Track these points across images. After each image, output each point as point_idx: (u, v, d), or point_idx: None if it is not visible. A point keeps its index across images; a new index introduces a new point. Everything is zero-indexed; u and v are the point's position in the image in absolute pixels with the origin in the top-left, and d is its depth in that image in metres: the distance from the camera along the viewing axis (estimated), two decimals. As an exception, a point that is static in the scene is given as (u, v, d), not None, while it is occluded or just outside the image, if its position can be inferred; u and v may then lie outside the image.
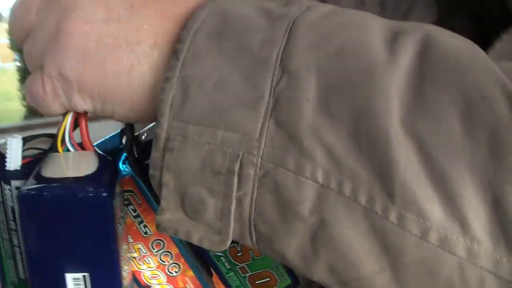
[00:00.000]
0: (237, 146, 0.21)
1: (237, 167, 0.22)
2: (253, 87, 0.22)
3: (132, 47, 0.24)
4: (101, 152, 0.27)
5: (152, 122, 0.28)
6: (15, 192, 0.27)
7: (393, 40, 0.22)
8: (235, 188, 0.22)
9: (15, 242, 0.29)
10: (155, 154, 0.23)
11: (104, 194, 0.24)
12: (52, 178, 0.24)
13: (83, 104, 0.25)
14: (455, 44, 0.22)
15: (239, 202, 0.22)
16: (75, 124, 0.27)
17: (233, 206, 0.22)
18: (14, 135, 0.27)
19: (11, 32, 0.27)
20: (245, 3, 0.25)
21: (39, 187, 0.24)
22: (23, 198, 0.24)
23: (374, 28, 0.23)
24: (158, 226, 0.24)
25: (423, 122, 0.20)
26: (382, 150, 0.20)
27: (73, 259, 0.25)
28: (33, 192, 0.24)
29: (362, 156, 0.20)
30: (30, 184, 0.24)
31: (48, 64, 0.25)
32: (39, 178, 0.25)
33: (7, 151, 0.27)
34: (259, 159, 0.21)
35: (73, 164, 0.26)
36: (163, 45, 0.24)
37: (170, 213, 0.23)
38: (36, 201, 0.24)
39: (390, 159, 0.20)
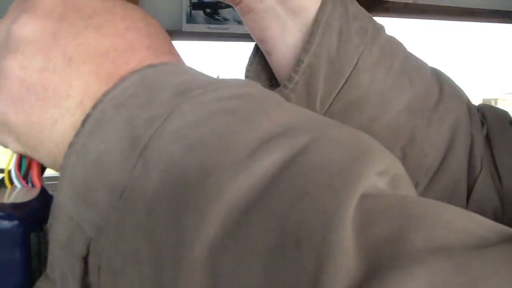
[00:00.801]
0: (90, 229, 0.20)
1: (83, 252, 0.20)
2: (119, 169, 0.20)
3: (59, 101, 0.23)
4: (48, 191, 0.26)
5: None
6: None
7: (271, 141, 0.18)
8: (79, 275, 0.20)
9: None
10: (49, 220, 0.22)
11: (15, 222, 0.23)
12: None
13: (16, 146, 0.24)
14: (327, 158, 0.17)
15: None
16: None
17: None
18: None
19: None
20: (181, 73, 0.23)
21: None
22: None
23: (265, 121, 0.19)
24: None
25: (227, 257, 0.16)
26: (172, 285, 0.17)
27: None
28: None
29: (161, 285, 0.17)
30: None
31: None
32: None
33: None
34: (103, 250, 0.19)
35: (13, 196, 0.25)
36: (87, 105, 0.23)
37: (49, 284, 0.22)
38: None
39: None
